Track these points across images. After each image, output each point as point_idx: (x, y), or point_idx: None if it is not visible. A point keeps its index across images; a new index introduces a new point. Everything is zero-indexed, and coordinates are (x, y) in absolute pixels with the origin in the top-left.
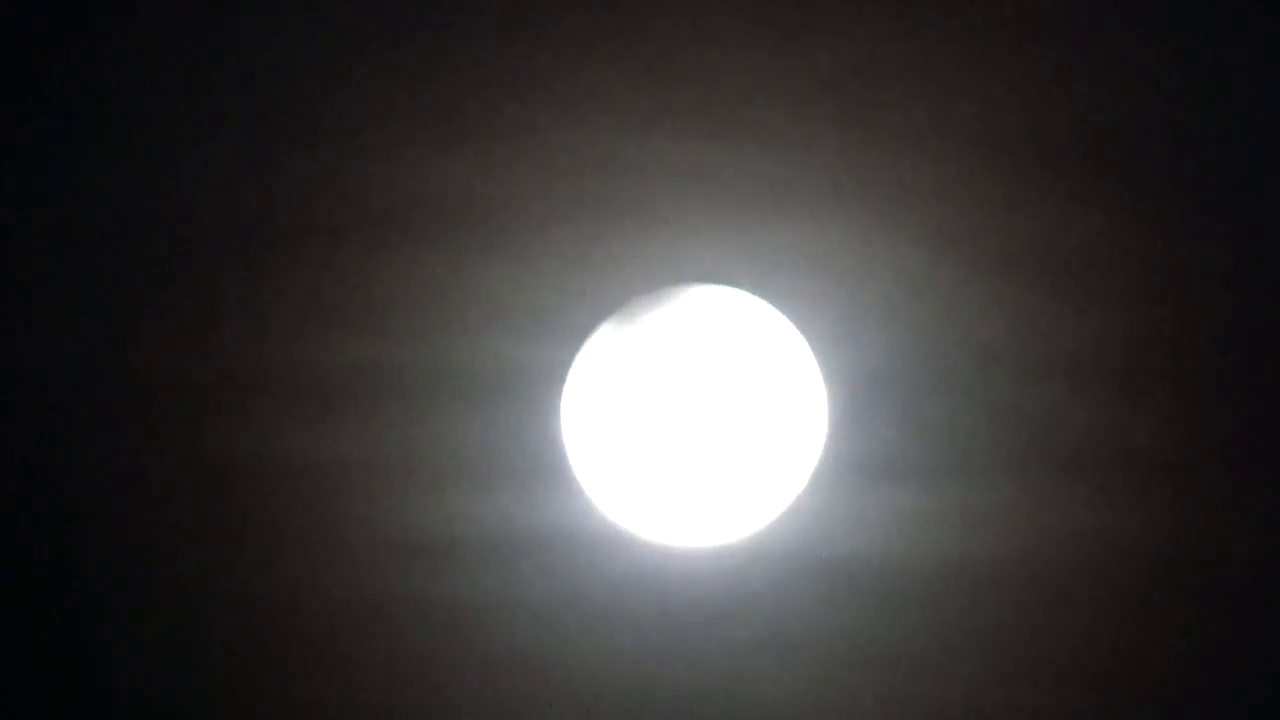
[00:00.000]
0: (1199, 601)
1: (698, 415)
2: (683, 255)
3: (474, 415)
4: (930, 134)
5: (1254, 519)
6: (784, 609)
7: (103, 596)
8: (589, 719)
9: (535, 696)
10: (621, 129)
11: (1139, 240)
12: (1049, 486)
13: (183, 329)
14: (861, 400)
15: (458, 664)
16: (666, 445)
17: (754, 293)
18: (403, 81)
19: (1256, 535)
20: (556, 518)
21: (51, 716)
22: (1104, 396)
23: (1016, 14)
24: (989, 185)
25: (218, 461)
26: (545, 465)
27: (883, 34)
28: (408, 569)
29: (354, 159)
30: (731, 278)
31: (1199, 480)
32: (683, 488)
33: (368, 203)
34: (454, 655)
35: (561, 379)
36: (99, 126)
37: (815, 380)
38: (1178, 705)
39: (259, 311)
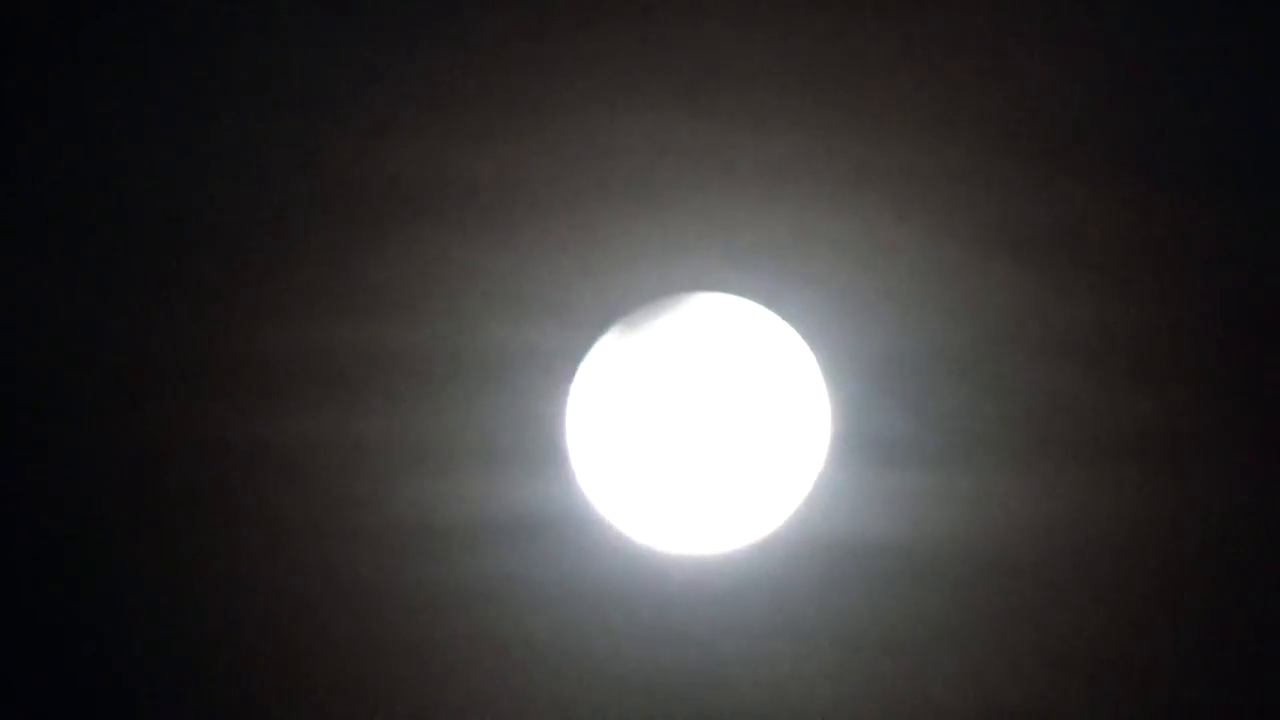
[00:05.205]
0: (1209, 583)
1: (702, 422)
2: (690, 256)
3: (479, 405)
4: (935, 120)
5: (1263, 501)
6: (794, 613)
7: (106, 580)
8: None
9: (516, 684)
10: (636, 118)
11: (1145, 224)
12: (1056, 471)
13: (192, 313)
14: (865, 392)
15: (442, 647)
16: (671, 451)
17: (747, 293)
18: (419, 67)
19: (1265, 517)
20: (554, 512)
21: (62, 699)
22: (1111, 380)
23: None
24: (993, 170)
25: (220, 445)
26: (546, 459)
27: (891, 21)
28: (404, 554)
29: (366, 144)
30: (728, 279)
31: (1207, 462)
32: (688, 493)
33: (379, 188)
34: (438, 639)
35: (569, 375)
36: (108, 112)
37: (816, 379)
38: (1188, 687)
39: (269, 295)
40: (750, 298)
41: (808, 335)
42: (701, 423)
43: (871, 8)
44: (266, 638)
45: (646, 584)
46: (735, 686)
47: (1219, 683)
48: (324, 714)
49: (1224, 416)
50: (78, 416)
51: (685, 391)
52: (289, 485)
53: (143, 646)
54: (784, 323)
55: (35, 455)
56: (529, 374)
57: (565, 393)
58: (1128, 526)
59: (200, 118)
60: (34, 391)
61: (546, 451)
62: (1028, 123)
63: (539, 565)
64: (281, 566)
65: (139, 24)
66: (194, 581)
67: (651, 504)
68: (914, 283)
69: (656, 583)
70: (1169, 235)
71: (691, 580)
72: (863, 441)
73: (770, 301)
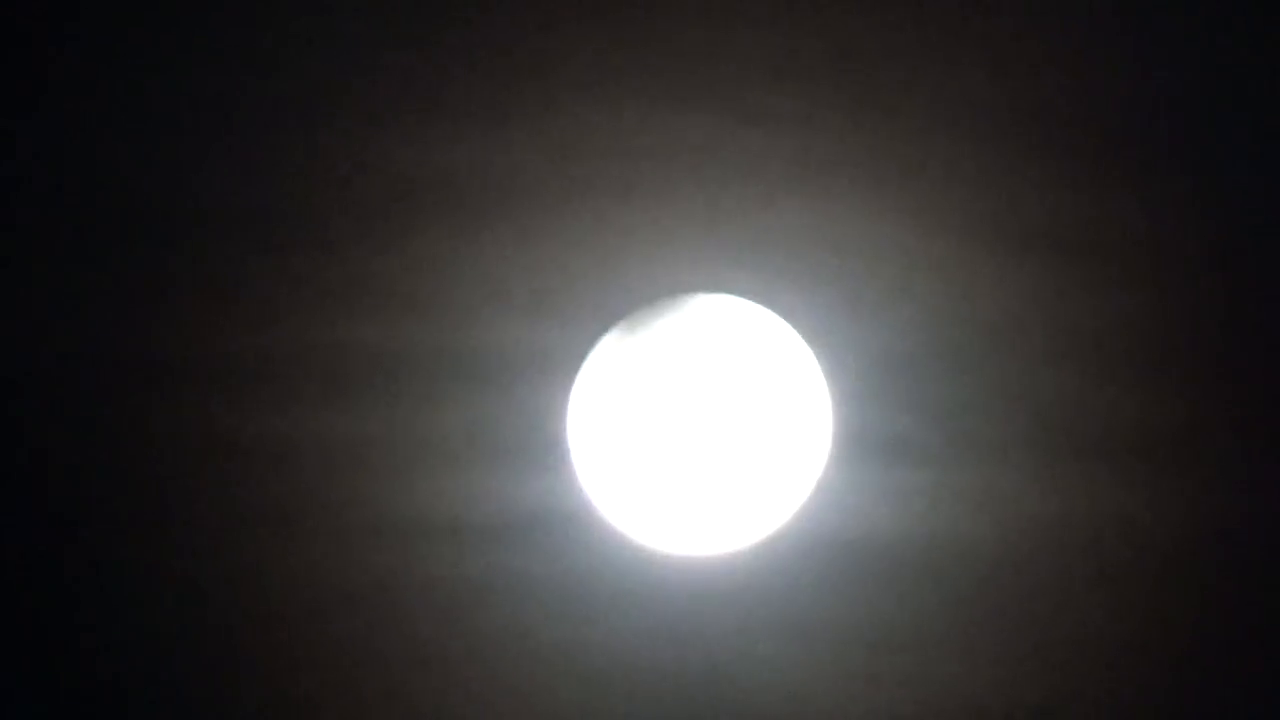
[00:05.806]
0: (1210, 581)
1: (703, 422)
2: (690, 256)
3: (480, 405)
4: (935, 115)
5: (1263, 501)
6: (795, 613)
7: (106, 580)
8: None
9: (516, 684)
10: (636, 118)
11: (1146, 221)
12: (1056, 471)
13: (192, 313)
14: (865, 392)
15: (442, 647)
16: (672, 451)
17: (747, 293)
18: (419, 67)
19: (1265, 517)
20: (555, 512)
21: (63, 699)
22: (1111, 379)
23: None
24: (994, 169)
25: (220, 445)
26: (548, 459)
27: (893, 18)
28: (404, 553)
29: (366, 144)
30: (728, 279)
31: (1209, 460)
32: (689, 493)
33: (379, 187)
34: (438, 638)
35: (570, 375)
36: (108, 112)
37: (817, 379)
38: (1189, 683)
39: (269, 294)
40: (750, 298)
41: (808, 335)
42: (702, 423)
43: (873, 6)
44: (266, 637)
45: (646, 584)
46: (735, 686)
47: (1220, 681)
48: (323, 713)
49: (1224, 416)
50: (78, 416)
51: (686, 392)
52: (289, 485)
53: (143, 646)
54: (784, 323)
55: (35, 455)
56: (530, 374)
57: (566, 393)
58: (1128, 526)
59: (200, 117)
60: (34, 391)
61: (548, 451)
62: (1030, 121)
63: (539, 564)
64: (281, 566)
65: (139, 23)
66: (194, 581)
67: (652, 504)
68: (914, 282)
69: (656, 583)
70: (1169, 234)
71: (692, 580)
72: (864, 441)
73: (770, 301)
